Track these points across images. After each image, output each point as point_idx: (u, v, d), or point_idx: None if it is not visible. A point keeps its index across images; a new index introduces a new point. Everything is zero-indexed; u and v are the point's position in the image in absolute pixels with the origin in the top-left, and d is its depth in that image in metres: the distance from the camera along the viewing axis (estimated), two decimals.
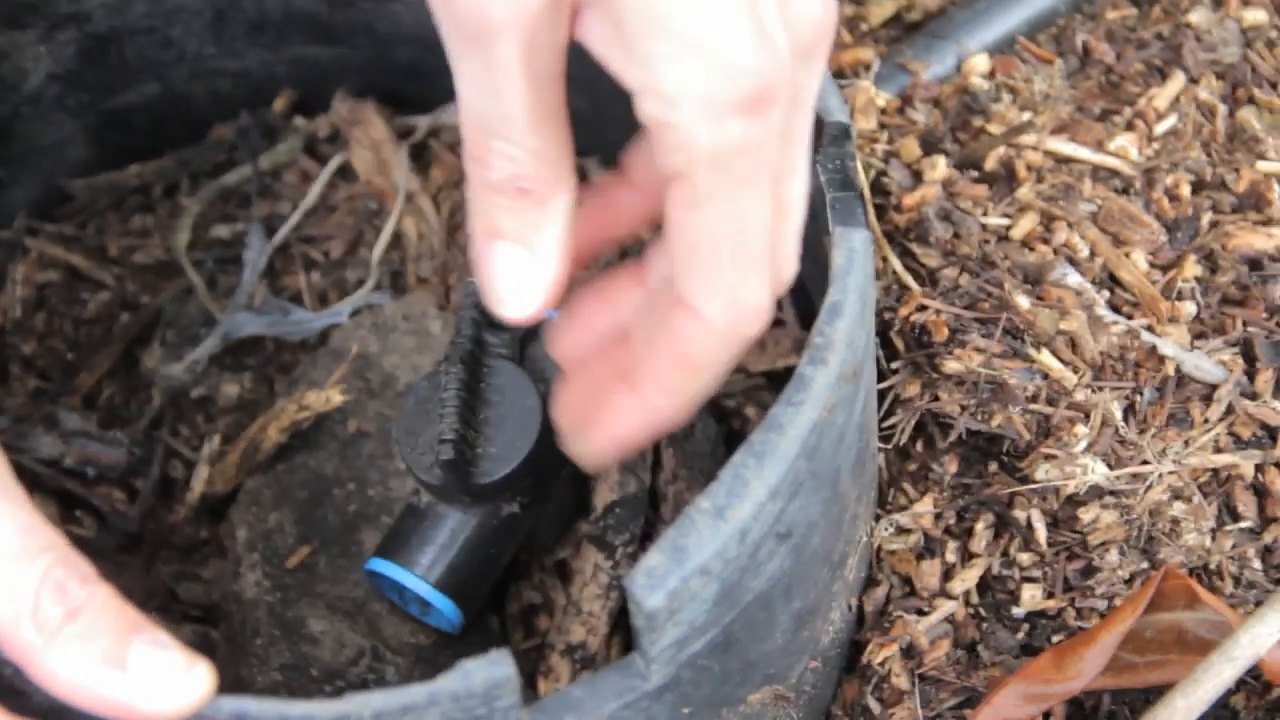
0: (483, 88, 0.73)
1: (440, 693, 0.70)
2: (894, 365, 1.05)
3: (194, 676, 0.70)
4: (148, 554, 1.21)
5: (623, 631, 1.12)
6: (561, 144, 0.76)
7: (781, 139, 0.72)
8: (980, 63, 1.19)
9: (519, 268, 0.78)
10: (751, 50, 0.66)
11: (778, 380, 1.20)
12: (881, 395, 1.05)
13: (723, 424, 1.17)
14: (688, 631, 0.76)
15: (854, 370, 0.82)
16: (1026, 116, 1.15)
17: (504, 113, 0.73)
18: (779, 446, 0.76)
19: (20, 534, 0.70)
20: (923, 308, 1.04)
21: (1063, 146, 1.13)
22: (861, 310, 0.82)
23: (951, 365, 1.01)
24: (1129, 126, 1.16)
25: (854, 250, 0.83)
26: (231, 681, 1.08)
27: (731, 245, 0.73)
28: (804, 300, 1.17)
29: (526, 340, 1.07)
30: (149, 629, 0.71)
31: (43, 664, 0.68)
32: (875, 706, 1.01)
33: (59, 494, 1.22)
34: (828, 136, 0.88)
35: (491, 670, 0.70)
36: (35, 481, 1.21)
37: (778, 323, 1.18)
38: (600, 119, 1.30)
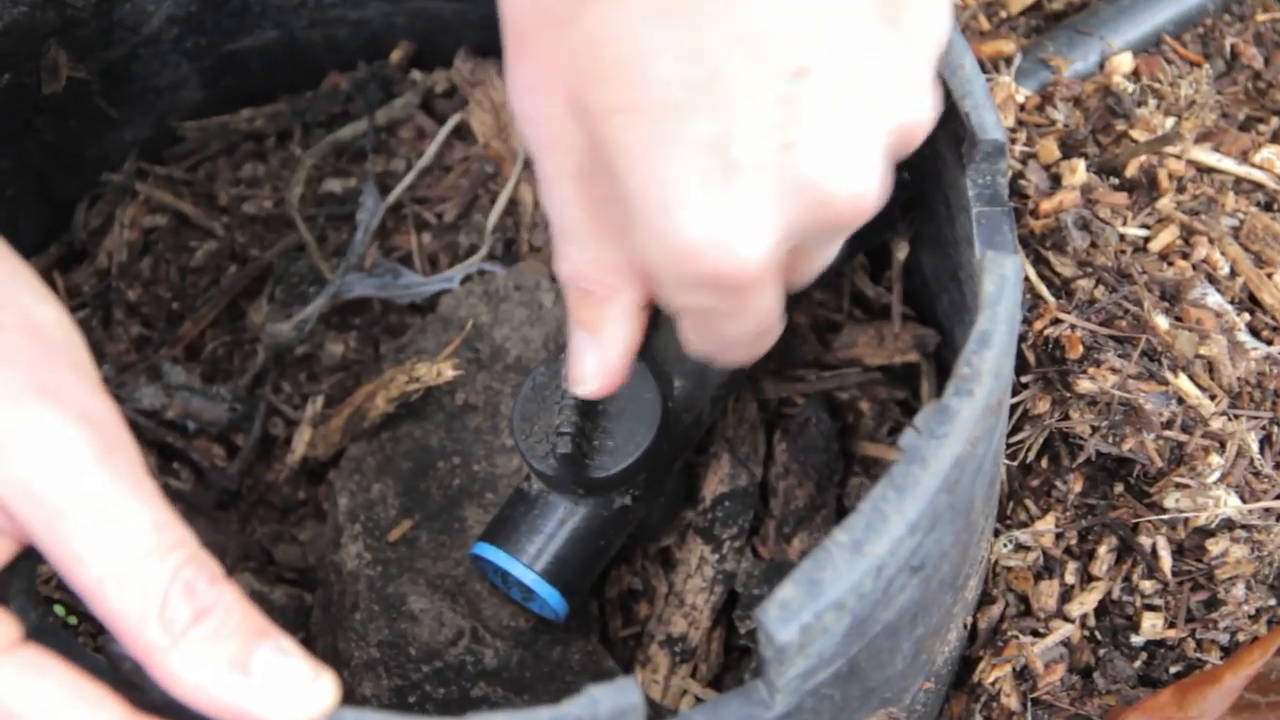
0: (546, 196, 0.77)
1: (564, 718, 0.69)
2: (1024, 379, 1.02)
3: (319, 687, 0.69)
4: (244, 512, 1.20)
5: (724, 626, 1.11)
6: (621, 250, 0.78)
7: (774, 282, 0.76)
8: (1124, 62, 1.15)
9: (588, 353, 0.84)
10: (707, 240, 0.70)
11: (894, 375, 1.18)
12: (1010, 409, 1.02)
13: (837, 418, 1.15)
14: (816, 664, 0.74)
15: (999, 401, 0.80)
16: (1170, 123, 1.11)
17: (564, 221, 0.77)
18: (920, 481, 0.73)
19: (152, 530, 0.68)
20: (1057, 321, 1.01)
21: (1206, 156, 1.09)
22: (1009, 340, 0.79)
23: (1085, 385, 0.98)
24: (1275, 138, 1.13)
25: (1005, 278, 0.80)
26: (328, 653, 1.08)
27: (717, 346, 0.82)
28: (920, 287, 1.15)
29: (648, 331, 1.05)
30: (275, 634, 0.70)
31: (166, 664, 0.67)
32: None
33: (158, 446, 1.21)
34: (980, 152, 0.86)
35: (618, 698, 0.69)
36: (134, 432, 1.19)
37: (891, 316, 1.16)
38: None
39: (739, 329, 0.78)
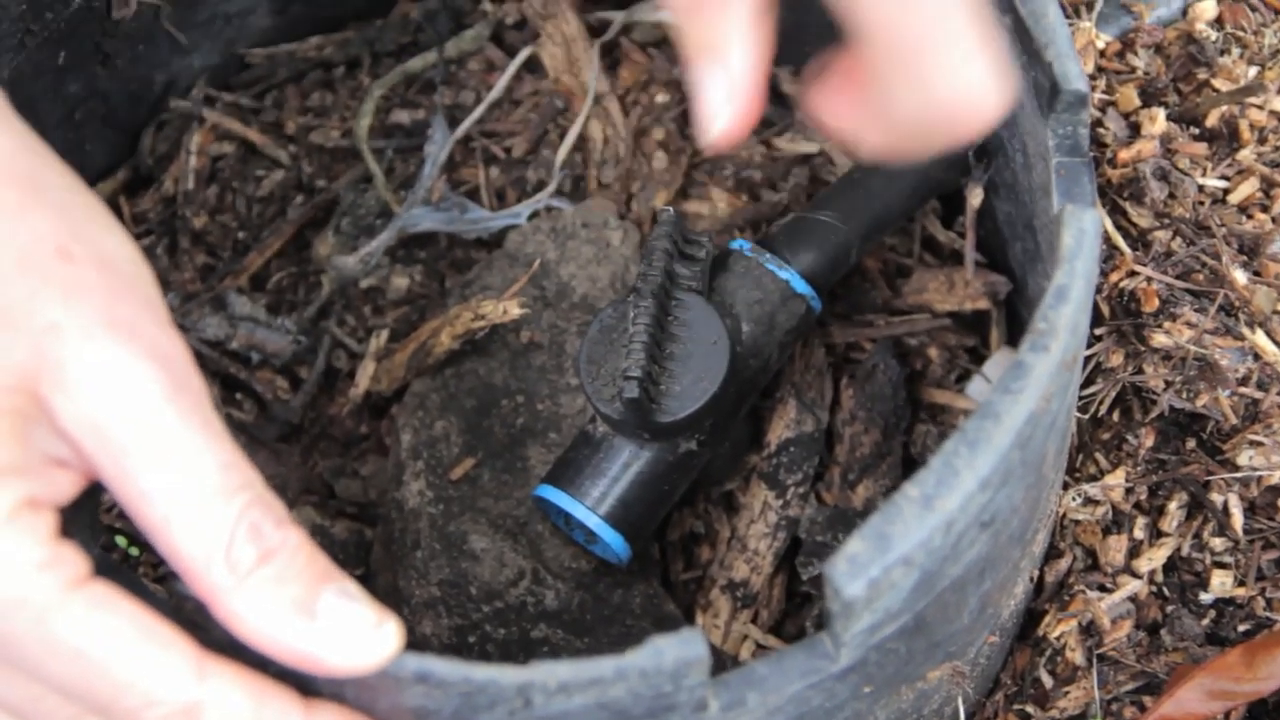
0: None
1: (629, 668, 0.67)
2: (1098, 332, 1.01)
3: (383, 633, 0.68)
4: (306, 445, 1.19)
5: (786, 572, 1.10)
6: None
7: None
8: (1208, 8, 1.13)
9: (715, 80, 0.73)
10: None
11: (963, 322, 1.17)
12: (1083, 362, 1.01)
13: (904, 365, 1.14)
14: (882, 618, 0.74)
15: (1074, 357, 0.78)
16: (1253, 72, 1.09)
17: None
18: (993, 436, 0.72)
19: (220, 470, 0.67)
20: (1133, 274, 1.00)
21: None
22: (1086, 296, 0.78)
23: (1160, 339, 0.97)
24: None
25: (1084, 231, 0.79)
26: (388, 590, 1.07)
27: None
28: (993, 233, 1.14)
29: (715, 272, 1.04)
30: (340, 578, 0.69)
31: (230, 606, 0.67)
32: (1047, 680, 0.99)
33: (221, 377, 1.21)
34: (1062, 103, 0.84)
35: (683, 649, 0.68)
36: (198, 362, 1.18)
37: (963, 263, 1.14)
38: (799, 29, 1.26)
39: None
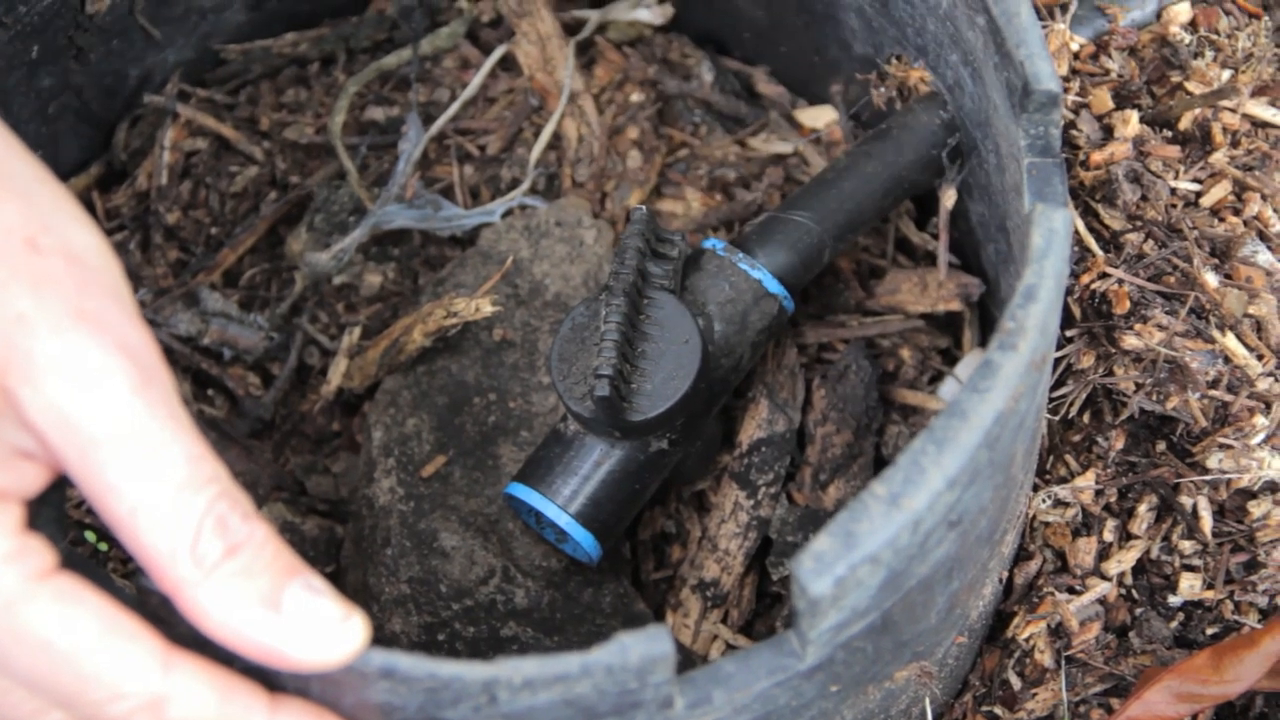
0: None
1: (594, 665, 0.67)
2: (1069, 333, 1.01)
3: (349, 628, 0.67)
4: (278, 442, 1.19)
5: (757, 572, 1.10)
6: None
7: None
8: (1182, 11, 1.13)
9: None
10: None
11: (936, 323, 1.17)
12: (1054, 363, 1.01)
13: (877, 365, 1.14)
14: (849, 617, 0.74)
15: (1043, 357, 0.78)
16: (1227, 75, 1.09)
17: None
18: (960, 435, 0.72)
19: (187, 464, 0.67)
20: (1105, 276, 1.00)
21: (1262, 111, 1.07)
22: (1056, 296, 0.78)
23: (1131, 341, 0.97)
24: None
25: (1054, 231, 0.79)
26: (358, 587, 1.07)
27: None
28: (966, 234, 1.14)
29: (687, 271, 1.04)
30: (306, 573, 0.69)
31: (196, 600, 0.66)
32: (1016, 681, 0.99)
33: (193, 373, 1.21)
34: (1034, 103, 0.84)
35: (649, 646, 0.68)
36: (169, 358, 1.19)
37: (936, 264, 1.14)
38: (775, 29, 1.26)
39: None
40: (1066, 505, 1.01)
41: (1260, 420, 0.96)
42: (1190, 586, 0.98)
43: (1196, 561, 0.98)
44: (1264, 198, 1.04)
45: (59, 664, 0.67)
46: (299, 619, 0.67)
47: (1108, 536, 1.00)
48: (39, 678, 0.68)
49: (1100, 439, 1.01)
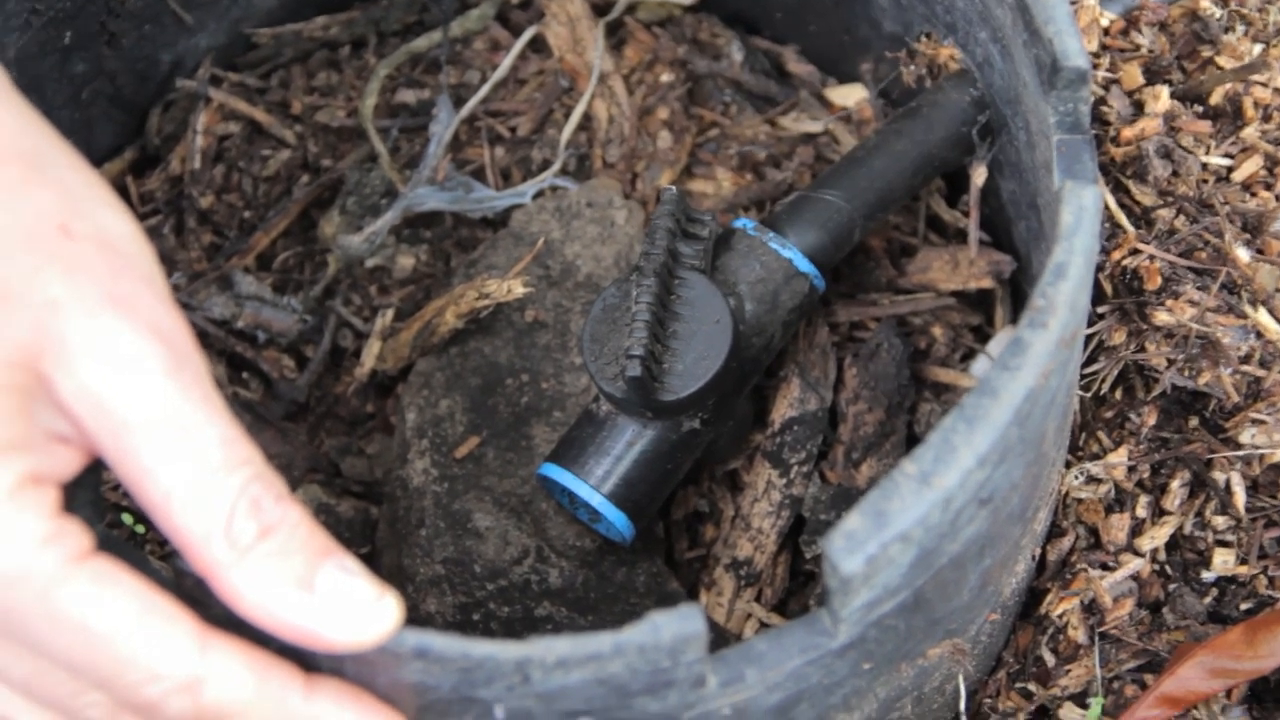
0: None
1: (626, 644, 0.68)
2: (1100, 310, 1.01)
3: (382, 607, 0.68)
4: (313, 424, 1.20)
5: (790, 550, 1.11)
6: None
7: None
8: None
9: None
10: None
11: (968, 301, 1.17)
12: (1085, 340, 1.01)
13: (908, 343, 1.14)
14: (881, 595, 0.74)
15: (1074, 334, 0.79)
16: (1258, 50, 1.09)
17: None
18: (991, 413, 0.73)
19: (221, 446, 0.68)
20: (1136, 252, 1.00)
21: None
22: (1086, 272, 0.78)
23: (1162, 317, 0.97)
24: None
25: (1084, 208, 0.79)
26: (393, 568, 1.08)
27: None
28: (997, 212, 1.14)
29: (718, 251, 1.04)
30: (339, 553, 0.69)
31: (230, 580, 0.67)
32: (1049, 658, 0.99)
33: (227, 356, 1.21)
34: (1063, 79, 0.84)
35: (681, 625, 0.68)
36: (204, 341, 1.20)
37: (968, 242, 1.14)
38: (804, 7, 1.26)
39: None
40: (1099, 482, 1.01)
41: None
42: (1224, 562, 0.98)
43: (1230, 537, 0.98)
44: None
45: (96, 646, 0.67)
46: (333, 599, 0.68)
47: (1140, 513, 1.00)
48: (76, 659, 0.68)
49: (1133, 415, 1.01)
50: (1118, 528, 1.00)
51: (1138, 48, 1.11)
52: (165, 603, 0.68)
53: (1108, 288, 1.02)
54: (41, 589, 0.67)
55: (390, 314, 1.20)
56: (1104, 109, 1.06)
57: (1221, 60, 1.08)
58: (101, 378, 0.67)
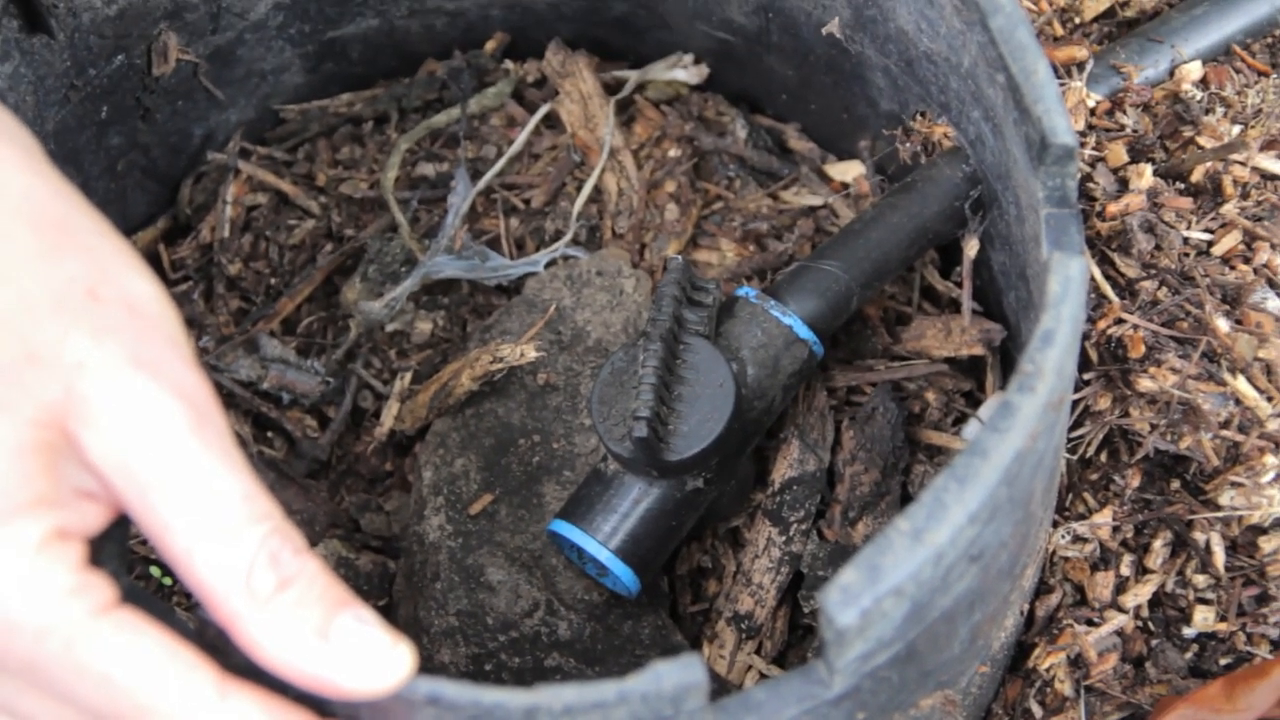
0: None
1: (630, 693, 0.71)
2: (1086, 376, 1.05)
3: (396, 656, 0.70)
4: (334, 482, 1.24)
5: (789, 605, 1.14)
6: None
7: None
8: (1194, 70, 1.18)
9: None
10: None
11: (960, 367, 1.20)
12: (1072, 405, 1.05)
13: (903, 408, 1.18)
14: (874, 647, 0.77)
15: (1060, 398, 0.82)
16: (1237, 130, 1.13)
17: None
18: (981, 472, 0.75)
19: (242, 502, 0.70)
20: (1120, 321, 1.04)
21: (1271, 164, 1.11)
22: (1072, 339, 0.82)
23: (1145, 383, 1.01)
24: None
25: (1070, 278, 0.82)
26: (409, 620, 1.12)
27: None
28: (988, 282, 1.17)
29: (721, 318, 1.08)
30: (355, 604, 0.72)
31: (250, 631, 0.69)
32: (1037, 710, 1.02)
33: (253, 416, 1.26)
34: (1051, 156, 0.88)
35: (683, 674, 0.71)
36: (230, 401, 1.25)
37: (960, 311, 1.17)
38: (806, 88, 1.30)
39: None
40: (1085, 541, 1.04)
41: (1270, 459, 1.00)
42: (1204, 619, 1.01)
43: (1210, 595, 1.02)
44: (1273, 247, 1.08)
45: (119, 695, 0.70)
46: (348, 648, 0.70)
47: (1125, 571, 1.04)
48: (100, 708, 0.70)
49: (1117, 477, 1.05)
50: (1103, 585, 1.03)
51: (1122, 127, 1.15)
52: (186, 652, 0.70)
53: (1093, 355, 1.05)
54: (67, 639, 0.69)
55: (408, 376, 1.24)
56: (1090, 185, 1.10)
57: (1202, 140, 1.13)
58: (126, 436, 0.69)
